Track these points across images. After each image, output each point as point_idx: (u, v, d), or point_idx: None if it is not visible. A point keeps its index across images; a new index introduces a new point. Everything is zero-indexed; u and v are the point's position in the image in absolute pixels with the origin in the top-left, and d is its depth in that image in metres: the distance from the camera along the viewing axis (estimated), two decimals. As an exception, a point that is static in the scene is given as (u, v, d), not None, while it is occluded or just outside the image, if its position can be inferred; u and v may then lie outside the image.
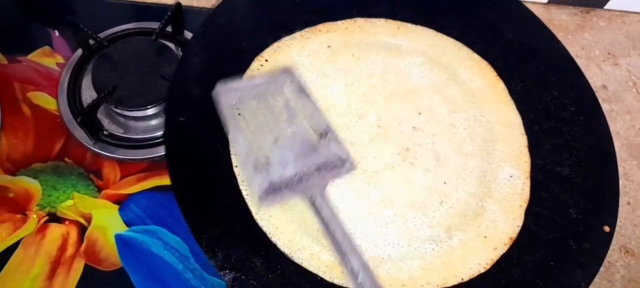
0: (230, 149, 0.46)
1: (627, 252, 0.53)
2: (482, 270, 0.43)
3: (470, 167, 0.48)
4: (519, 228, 0.46)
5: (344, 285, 0.41)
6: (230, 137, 0.46)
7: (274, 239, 0.42)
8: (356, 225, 0.44)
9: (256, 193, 0.41)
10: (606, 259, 0.52)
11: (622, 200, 0.55)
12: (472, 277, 0.43)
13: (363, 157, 0.47)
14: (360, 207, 0.45)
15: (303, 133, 0.45)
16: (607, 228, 0.45)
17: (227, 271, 0.39)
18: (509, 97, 0.53)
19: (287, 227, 0.43)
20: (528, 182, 0.48)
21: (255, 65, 0.51)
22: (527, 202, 0.47)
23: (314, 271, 0.41)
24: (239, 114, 0.46)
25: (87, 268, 0.46)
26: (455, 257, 0.44)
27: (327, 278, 0.41)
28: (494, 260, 0.44)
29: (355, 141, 0.48)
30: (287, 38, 0.53)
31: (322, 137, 0.45)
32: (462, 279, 0.43)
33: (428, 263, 0.43)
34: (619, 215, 0.54)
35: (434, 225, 0.44)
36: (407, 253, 0.43)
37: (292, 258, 0.42)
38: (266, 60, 0.51)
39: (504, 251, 0.44)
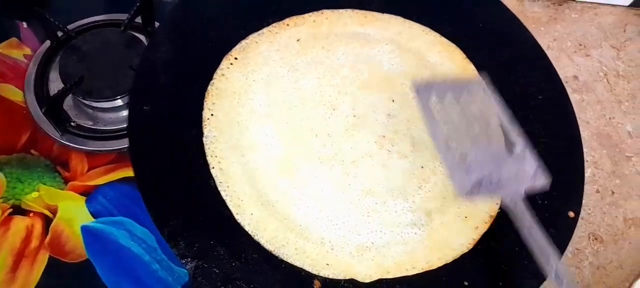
0: (204, 140, 0.46)
1: (595, 239, 0.53)
2: (465, 250, 0.44)
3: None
4: (497, 206, 0.46)
5: (320, 275, 0.41)
6: (429, 131, 0.46)
7: (257, 237, 0.42)
8: (338, 215, 0.44)
9: (459, 187, 0.42)
10: (575, 246, 0.53)
11: (591, 188, 0.56)
12: (455, 257, 0.43)
13: (340, 148, 0.47)
14: (341, 197, 0.45)
15: (498, 139, 0.45)
16: (572, 214, 0.45)
17: (189, 259, 0.38)
18: (480, 78, 0.53)
19: (269, 224, 0.43)
20: None
21: (225, 63, 0.50)
22: None
23: (300, 266, 0.41)
24: (438, 109, 0.46)
25: (51, 260, 0.45)
26: (439, 239, 0.44)
27: (314, 272, 0.41)
28: (476, 239, 0.44)
29: (331, 133, 0.48)
30: (254, 34, 0.53)
31: (514, 147, 0.45)
32: (447, 261, 0.43)
33: (412, 248, 0.43)
34: (588, 204, 0.55)
35: (415, 210, 0.45)
36: (391, 239, 0.43)
37: (278, 255, 0.41)
38: (235, 58, 0.51)
39: (485, 229, 0.45)
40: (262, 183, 0.44)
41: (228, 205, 0.43)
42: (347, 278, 0.41)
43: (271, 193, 0.44)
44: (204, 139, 0.45)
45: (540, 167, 0.44)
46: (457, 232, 0.44)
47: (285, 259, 0.41)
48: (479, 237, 0.44)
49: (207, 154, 0.45)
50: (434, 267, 0.43)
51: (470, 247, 0.44)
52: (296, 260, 0.41)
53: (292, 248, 0.42)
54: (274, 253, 0.41)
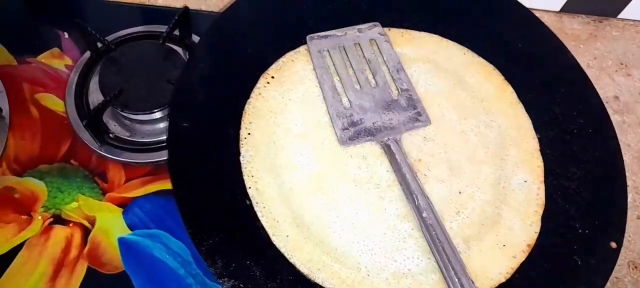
0: (241, 159, 0.46)
1: (635, 267, 0.52)
2: (503, 280, 0.43)
3: (484, 174, 0.48)
4: (536, 234, 0.45)
5: None
6: (319, 79, 0.51)
7: (292, 260, 0.42)
8: (374, 240, 0.43)
9: (337, 133, 0.48)
10: (614, 274, 0.51)
11: (632, 214, 0.54)
12: (493, 287, 0.43)
13: (376, 171, 0.47)
14: (376, 222, 0.45)
15: (384, 84, 0.51)
16: (614, 245, 0.44)
17: (226, 279, 0.39)
18: (518, 100, 0.52)
19: (304, 246, 0.43)
20: (542, 187, 0.47)
21: (262, 82, 0.51)
22: (543, 207, 0.46)
23: None
24: (328, 58, 0.52)
25: (89, 270, 0.46)
26: (476, 267, 0.43)
27: None
28: (514, 269, 0.43)
29: (366, 155, 0.48)
30: (291, 53, 0.53)
31: (401, 93, 0.51)
32: None
33: None
34: (628, 230, 0.53)
35: (452, 236, 0.44)
36: (427, 266, 0.43)
37: (313, 279, 0.41)
38: (272, 77, 0.51)
39: (523, 259, 0.44)
40: (297, 204, 0.44)
41: (264, 225, 0.43)
42: None
43: (306, 215, 0.44)
44: (241, 159, 0.46)
45: (421, 108, 0.50)
46: (495, 261, 0.44)
47: (320, 283, 0.41)
48: (517, 266, 0.43)
49: (243, 174, 0.45)
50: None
51: (508, 276, 0.43)
52: (332, 284, 0.41)
53: (328, 271, 0.42)
54: (309, 277, 0.41)
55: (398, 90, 0.51)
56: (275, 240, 0.42)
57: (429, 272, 0.42)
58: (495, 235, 0.45)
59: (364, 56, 0.53)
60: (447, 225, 0.45)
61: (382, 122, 0.49)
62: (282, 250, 0.42)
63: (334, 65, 0.52)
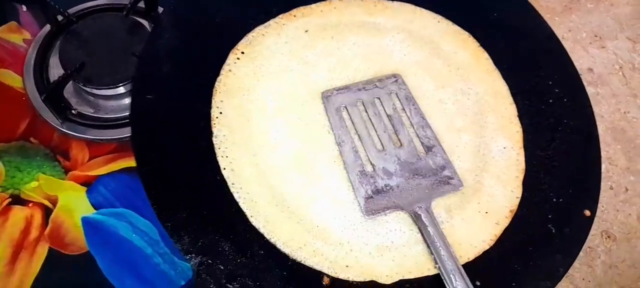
0: (213, 140, 0.44)
1: (608, 237, 0.52)
2: (487, 247, 0.42)
3: (463, 142, 0.47)
4: (518, 200, 0.45)
5: (340, 277, 0.40)
6: (337, 140, 0.45)
7: (273, 240, 0.41)
8: (356, 215, 0.43)
9: (361, 202, 0.42)
10: (587, 244, 0.51)
11: (605, 185, 0.55)
12: (477, 255, 0.42)
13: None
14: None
15: (409, 143, 0.46)
16: (588, 213, 0.43)
17: (193, 255, 0.37)
18: (494, 67, 0.51)
19: (285, 225, 0.41)
20: (522, 152, 0.47)
21: (232, 58, 0.49)
22: (524, 172, 0.46)
23: (318, 268, 0.40)
24: (347, 117, 0.47)
25: (51, 252, 0.44)
26: (459, 236, 0.42)
27: (333, 275, 0.40)
28: (497, 236, 0.43)
29: None
30: (261, 27, 0.51)
31: (428, 151, 0.45)
32: (469, 258, 0.42)
33: None
34: (601, 200, 0.53)
35: (434, 206, 0.43)
36: (410, 238, 0.42)
37: (295, 258, 0.40)
38: (242, 53, 0.49)
39: (506, 224, 0.43)
40: (276, 183, 0.43)
41: (242, 207, 0.41)
42: (367, 280, 0.40)
43: (285, 193, 0.43)
44: (214, 139, 0.44)
45: (451, 170, 0.44)
46: (478, 229, 0.43)
47: (303, 262, 0.40)
48: (501, 232, 0.43)
49: (217, 155, 0.43)
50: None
51: (492, 243, 0.42)
52: (315, 262, 0.40)
53: (310, 250, 0.40)
54: (290, 256, 0.40)
55: (425, 149, 0.46)
56: (254, 221, 0.41)
57: (412, 243, 0.42)
58: (477, 202, 0.44)
59: (386, 112, 0.47)
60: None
61: (410, 187, 0.43)
62: (262, 230, 0.41)
63: (353, 124, 0.46)
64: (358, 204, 0.42)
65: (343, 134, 0.46)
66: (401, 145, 0.46)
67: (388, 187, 0.43)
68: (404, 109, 0.48)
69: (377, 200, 0.42)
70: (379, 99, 0.48)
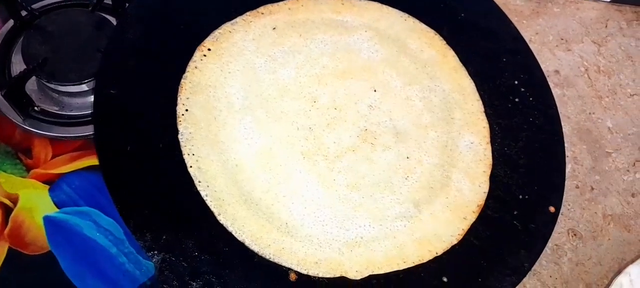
0: (179, 137, 0.43)
1: (575, 235, 0.53)
2: (455, 242, 0.43)
3: (430, 138, 0.48)
4: (485, 195, 0.45)
5: (309, 274, 0.40)
6: None
7: (241, 238, 0.40)
8: (324, 212, 0.43)
9: None
10: (554, 242, 0.52)
11: (571, 184, 0.55)
12: (445, 249, 0.42)
13: (323, 142, 0.46)
14: (326, 193, 0.44)
15: None
16: (552, 209, 0.44)
17: (156, 252, 0.37)
18: (461, 64, 0.52)
19: (253, 222, 0.41)
20: (489, 147, 0.48)
21: (198, 55, 0.48)
22: (491, 167, 0.47)
23: (287, 265, 0.40)
24: None
25: (10, 252, 0.43)
26: (428, 231, 0.43)
27: (302, 271, 0.40)
28: (465, 230, 0.43)
29: (313, 126, 0.47)
30: (227, 24, 0.50)
31: None
32: (437, 253, 0.42)
33: (401, 242, 0.42)
34: (567, 199, 0.54)
35: (402, 201, 0.44)
36: (379, 233, 0.42)
37: (264, 255, 0.40)
38: (209, 49, 0.49)
39: (474, 219, 0.44)
40: (243, 180, 0.43)
41: (209, 205, 0.41)
42: (337, 276, 0.40)
43: (254, 191, 0.42)
44: (180, 137, 0.43)
45: None
46: (446, 223, 0.43)
47: (272, 259, 0.39)
48: (468, 227, 0.43)
49: (183, 152, 0.43)
50: (425, 260, 0.42)
51: (460, 238, 0.43)
52: (284, 259, 0.40)
53: (278, 247, 0.40)
54: (259, 253, 0.39)
55: None
56: (222, 218, 0.40)
57: (381, 238, 0.42)
58: (445, 197, 0.45)
59: None
60: (396, 190, 0.44)
61: None
62: (230, 228, 0.40)
63: None
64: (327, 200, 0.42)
65: None
66: None
67: None
68: None
69: None
70: None
